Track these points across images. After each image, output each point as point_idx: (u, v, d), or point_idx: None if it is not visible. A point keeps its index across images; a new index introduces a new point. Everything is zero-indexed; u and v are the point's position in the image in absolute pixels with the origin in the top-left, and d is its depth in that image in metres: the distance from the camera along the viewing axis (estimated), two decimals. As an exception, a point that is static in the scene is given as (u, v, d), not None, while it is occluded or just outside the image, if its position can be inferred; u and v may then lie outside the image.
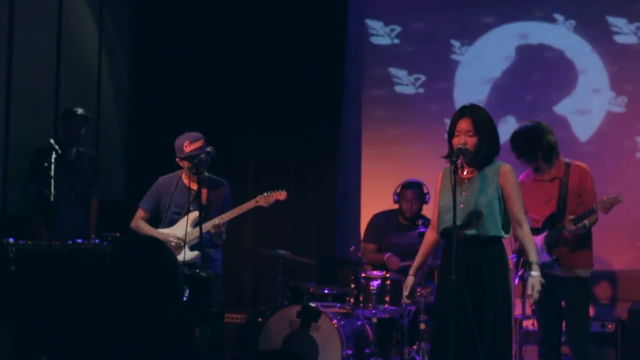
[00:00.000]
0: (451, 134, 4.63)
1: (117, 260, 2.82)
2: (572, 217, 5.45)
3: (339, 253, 7.68)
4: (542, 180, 5.61)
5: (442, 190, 4.69)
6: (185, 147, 5.63)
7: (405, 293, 4.87)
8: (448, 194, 4.55)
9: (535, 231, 5.52)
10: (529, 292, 4.57)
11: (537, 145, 5.52)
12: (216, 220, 5.59)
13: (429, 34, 7.86)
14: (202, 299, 5.53)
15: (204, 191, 5.60)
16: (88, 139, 7.31)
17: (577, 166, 5.61)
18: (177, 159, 5.72)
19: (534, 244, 4.68)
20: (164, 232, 5.69)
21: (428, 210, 6.70)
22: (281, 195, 5.69)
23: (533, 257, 4.61)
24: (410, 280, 4.86)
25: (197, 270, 5.58)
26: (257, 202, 5.69)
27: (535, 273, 4.58)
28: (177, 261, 2.92)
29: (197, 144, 5.61)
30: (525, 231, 4.64)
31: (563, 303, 5.61)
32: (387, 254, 6.76)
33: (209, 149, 5.53)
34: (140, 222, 5.81)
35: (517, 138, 5.57)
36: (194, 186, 5.61)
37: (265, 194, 5.69)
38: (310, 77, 7.95)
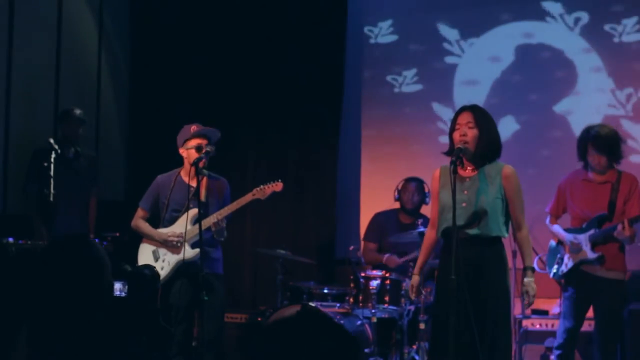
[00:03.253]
0: (452, 129, 4.65)
1: (45, 261, 2.82)
2: (636, 214, 5.52)
3: (339, 253, 7.68)
4: (593, 181, 5.69)
5: (442, 190, 4.68)
6: (192, 129, 5.63)
7: (413, 294, 4.86)
8: (448, 193, 4.54)
9: (579, 230, 5.68)
10: (525, 301, 4.54)
11: (621, 147, 5.68)
12: (214, 218, 5.57)
13: (428, 33, 7.86)
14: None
15: (203, 188, 5.58)
16: (88, 139, 7.31)
17: (629, 175, 5.72)
18: (180, 149, 5.68)
19: (531, 249, 4.68)
20: (162, 232, 5.68)
21: (427, 211, 6.71)
22: (277, 186, 5.65)
23: (529, 261, 4.62)
24: (415, 279, 4.85)
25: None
26: (254, 195, 5.65)
27: (529, 279, 4.58)
28: (105, 259, 2.91)
29: (204, 129, 5.63)
30: (524, 234, 4.64)
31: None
32: (386, 255, 6.76)
33: (208, 148, 5.52)
34: (139, 222, 5.79)
35: (613, 140, 5.64)
36: (193, 183, 5.60)
37: (262, 186, 5.67)
38: (310, 77, 7.96)
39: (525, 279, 4.58)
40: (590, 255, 5.60)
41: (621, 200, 5.63)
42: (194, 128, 5.64)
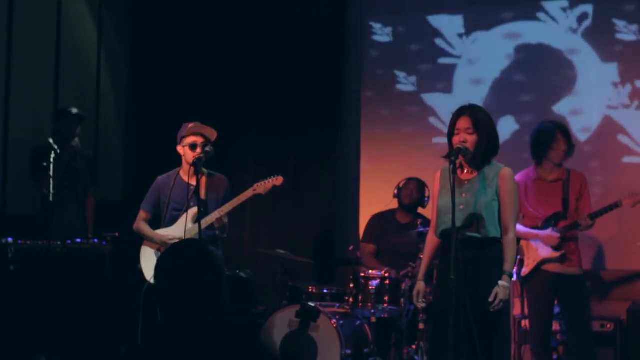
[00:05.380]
0: (451, 133, 4.64)
1: (163, 265, 2.78)
2: (589, 212, 5.72)
3: (338, 253, 7.68)
4: (545, 180, 5.85)
5: (442, 191, 4.69)
6: (190, 126, 5.66)
7: (419, 301, 4.81)
8: (447, 194, 4.55)
9: (536, 229, 5.82)
10: (491, 298, 4.46)
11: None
12: (216, 214, 5.59)
13: (428, 33, 7.85)
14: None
15: (203, 186, 5.59)
16: (87, 138, 7.31)
17: (578, 173, 5.89)
18: (178, 146, 5.71)
19: (515, 255, 4.63)
20: (162, 235, 5.70)
21: (427, 211, 6.71)
22: (277, 180, 5.66)
23: (508, 266, 4.54)
24: (420, 285, 4.81)
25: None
26: (255, 190, 5.66)
27: (504, 283, 4.50)
28: (222, 264, 2.87)
29: (201, 127, 5.65)
30: (509, 239, 4.58)
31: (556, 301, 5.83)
32: (385, 269, 6.73)
33: (208, 148, 5.54)
34: (141, 224, 5.82)
35: (568, 131, 5.87)
36: (192, 181, 5.61)
37: (262, 181, 5.69)
38: (310, 77, 7.96)
39: (500, 282, 4.48)
40: (552, 254, 5.74)
41: (573, 198, 5.81)
42: (191, 125, 5.66)
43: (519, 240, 5.83)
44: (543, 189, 5.84)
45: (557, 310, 5.96)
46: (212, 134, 5.65)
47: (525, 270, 5.83)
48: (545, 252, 5.76)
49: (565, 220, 5.78)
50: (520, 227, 5.88)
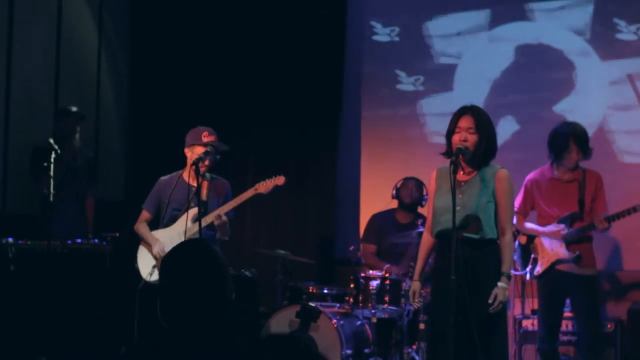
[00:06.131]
0: (451, 131, 4.64)
1: (167, 265, 2.77)
2: (604, 215, 5.75)
3: (339, 253, 7.68)
4: (561, 180, 5.84)
5: (438, 192, 4.70)
6: (204, 136, 5.64)
7: (414, 300, 4.82)
8: (444, 195, 4.56)
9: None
10: (490, 300, 4.49)
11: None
12: (217, 212, 5.58)
13: (428, 33, 7.85)
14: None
15: (204, 188, 5.60)
16: (87, 138, 7.31)
17: (593, 173, 5.90)
18: (186, 148, 5.70)
19: (512, 256, 4.65)
20: (155, 237, 5.72)
21: (426, 211, 6.71)
22: (279, 180, 5.66)
23: (506, 268, 4.57)
24: (416, 285, 4.83)
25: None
26: (256, 189, 5.66)
27: (502, 284, 4.52)
28: (226, 263, 2.84)
29: (213, 138, 5.64)
30: (506, 240, 4.61)
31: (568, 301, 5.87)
32: (386, 266, 6.74)
33: (209, 148, 5.55)
34: (140, 225, 5.84)
35: (587, 137, 5.85)
36: (194, 183, 5.62)
37: (264, 181, 5.68)
38: (310, 76, 7.96)
39: (499, 284, 4.51)
40: (568, 254, 5.74)
41: (589, 198, 5.81)
42: (205, 134, 5.63)
43: (532, 238, 5.87)
44: (558, 189, 5.84)
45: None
46: (223, 148, 5.66)
47: (539, 270, 5.82)
48: (560, 252, 5.75)
49: (581, 220, 5.78)
50: (527, 224, 5.90)
